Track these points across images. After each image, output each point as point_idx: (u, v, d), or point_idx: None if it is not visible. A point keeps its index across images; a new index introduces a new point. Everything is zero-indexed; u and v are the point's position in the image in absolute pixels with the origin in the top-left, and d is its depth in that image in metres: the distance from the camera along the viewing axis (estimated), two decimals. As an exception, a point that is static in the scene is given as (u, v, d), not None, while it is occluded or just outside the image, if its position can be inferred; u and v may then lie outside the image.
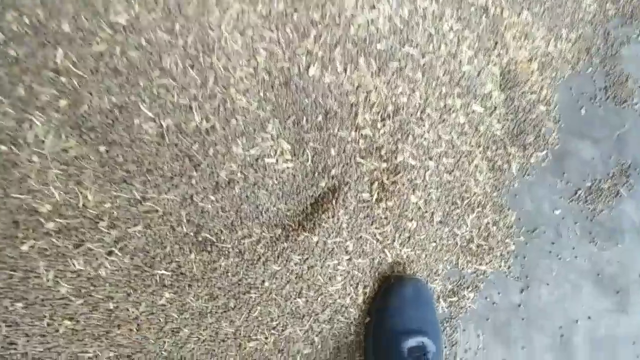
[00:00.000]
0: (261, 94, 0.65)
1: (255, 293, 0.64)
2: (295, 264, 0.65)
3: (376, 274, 0.68)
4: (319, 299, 0.66)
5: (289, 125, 0.66)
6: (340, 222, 0.66)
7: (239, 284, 0.64)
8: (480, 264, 0.73)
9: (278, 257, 0.64)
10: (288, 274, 0.64)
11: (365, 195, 0.68)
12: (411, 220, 0.69)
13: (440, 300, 0.70)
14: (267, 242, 0.64)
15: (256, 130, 0.65)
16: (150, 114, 0.61)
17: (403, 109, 0.71)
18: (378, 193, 0.68)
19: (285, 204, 0.65)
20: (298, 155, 0.66)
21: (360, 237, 0.67)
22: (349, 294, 0.67)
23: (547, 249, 0.75)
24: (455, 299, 0.71)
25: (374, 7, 0.69)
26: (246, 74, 0.65)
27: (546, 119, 0.80)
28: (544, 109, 0.81)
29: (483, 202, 0.74)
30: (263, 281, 0.64)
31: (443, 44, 0.74)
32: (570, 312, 0.73)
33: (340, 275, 0.66)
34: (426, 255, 0.70)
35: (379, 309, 0.67)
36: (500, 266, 0.73)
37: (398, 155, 0.69)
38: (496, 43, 0.79)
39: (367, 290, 0.68)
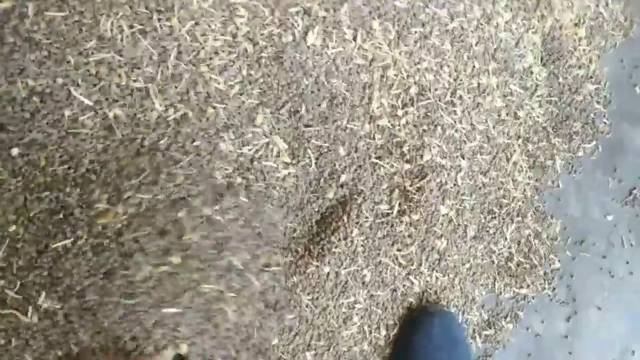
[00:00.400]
0: (243, 72, 0.47)
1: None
2: (306, 307, 0.49)
3: (400, 308, 0.53)
4: (332, 349, 0.51)
5: (284, 117, 0.49)
6: (354, 246, 0.51)
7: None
8: (521, 287, 0.59)
9: (290, 301, 0.48)
10: (298, 323, 0.49)
11: (384, 208, 0.53)
12: (441, 237, 0.54)
13: (475, 334, 0.57)
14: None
15: (243, 124, 0.47)
16: (87, 102, 0.43)
17: (429, 90, 0.55)
18: (400, 204, 0.53)
19: (291, 222, 0.49)
20: (298, 157, 0.49)
21: (380, 262, 0.52)
22: (367, 339, 0.52)
23: (597, 264, 0.62)
24: (491, 331, 0.58)
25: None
26: (222, 45, 0.46)
27: (594, 101, 0.66)
28: (592, 87, 0.66)
29: (523, 210, 0.60)
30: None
31: (475, 3, 0.57)
32: (626, 340, 0.61)
33: (357, 314, 0.51)
34: (460, 281, 0.56)
35: (400, 349, 0.53)
36: (543, 288, 0.60)
37: (424, 153, 0.54)
38: (538, 1, 0.63)
39: (389, 330, 0.53)
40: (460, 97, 0.57)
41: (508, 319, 0.59)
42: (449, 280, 0.55)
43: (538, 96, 0.64)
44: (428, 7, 0.56)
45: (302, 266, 0.49)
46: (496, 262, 0.58)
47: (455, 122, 0.56)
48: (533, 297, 0.60)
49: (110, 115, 0.44)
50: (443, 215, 0.54)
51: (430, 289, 0.54)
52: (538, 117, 0.63)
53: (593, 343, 0.61)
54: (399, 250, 0.53)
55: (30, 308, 0.39)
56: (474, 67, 0.58)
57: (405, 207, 0.53)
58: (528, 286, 0.59)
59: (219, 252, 0.42)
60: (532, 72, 0.64)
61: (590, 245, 0.62)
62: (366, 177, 0.52)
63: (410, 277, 0.53)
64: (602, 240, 0.63)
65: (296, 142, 0.49)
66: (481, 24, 0.59)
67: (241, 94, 0.47)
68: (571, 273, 0.61)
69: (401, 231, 0.53)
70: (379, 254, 0.52)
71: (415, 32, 0.55)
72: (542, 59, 0.65)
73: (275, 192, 0.47)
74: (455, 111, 0.56)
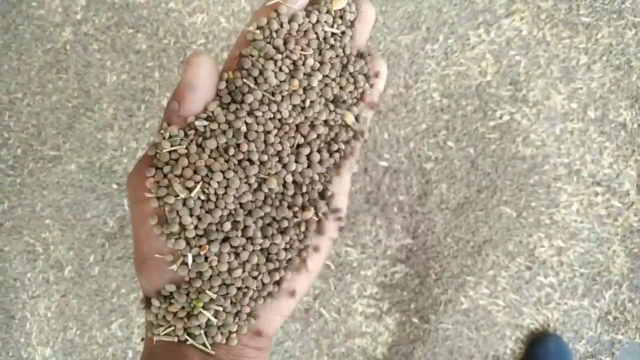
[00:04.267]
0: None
1: None
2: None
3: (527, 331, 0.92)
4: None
5: None
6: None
7: None
8: (617, 334, 0.93)
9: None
10: None
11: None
12: (556, 290, 0.93)
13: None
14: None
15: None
16: None
17: (562, 207, 0.97)
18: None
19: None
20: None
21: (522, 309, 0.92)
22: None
23: (678, 328, 0.93)
24: (593, 360, 0.92)
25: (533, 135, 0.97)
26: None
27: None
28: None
29: (620, 282, 0.96)
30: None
31: (588, 153, 0.99)
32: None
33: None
34: (571, 324, 0.93)
35: (527, 356, 0.91)
36: (635, 338, 0.93)
37: (553, 241, 0.95)
38: (633, 151, 1.03)
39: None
40: (577, 209, 0.98)
41: (606, 355, 0.93)
42: (564, 319, 0.93)
43: (634, 209, 1.01)
44: (558, 158, 0.99)
45: None
46: (598, 314, 0.94)
47: (571, 220, 0.97)
48: (627, 343, 0.93)
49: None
50: (562, 281, 0.94)
51: (551, 324, 0.92)
52: (634, 222, 1.00)
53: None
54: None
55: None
56: (587, 188, 0.99)
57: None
58: (623, 334, 0.93)
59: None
60: (629, 194, 1.02)
61: (672, 314, 0.94)
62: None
63: (543, 311, 0.92)
64: (682, 312, 0.94)
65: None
66: (591, 165, 1.01)
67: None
68: (656, 330, 0.94)
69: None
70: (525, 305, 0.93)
71: (549, 177, 0.98)
72: (637, 185, 1.03)
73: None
74: (572, 215, 0.97)
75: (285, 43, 0.30)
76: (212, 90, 0.28)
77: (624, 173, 1.00)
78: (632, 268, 0.97)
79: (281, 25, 0.30)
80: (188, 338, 0.28)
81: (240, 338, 0.29)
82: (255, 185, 0.29)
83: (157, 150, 0.28)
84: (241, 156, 0.28)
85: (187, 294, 0.28)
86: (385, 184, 0.94)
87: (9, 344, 0.99)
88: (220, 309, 0.28)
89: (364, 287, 0.94)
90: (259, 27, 0.30)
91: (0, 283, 0.99)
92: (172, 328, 0.28)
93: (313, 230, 0.30)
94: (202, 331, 0.28)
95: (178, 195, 0.27)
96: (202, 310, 0.28)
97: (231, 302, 0.29)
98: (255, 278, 0.29)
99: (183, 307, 0.28)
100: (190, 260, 0.28)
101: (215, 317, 0.28)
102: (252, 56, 0.29)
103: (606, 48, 0.96)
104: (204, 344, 0.28)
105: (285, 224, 0.29)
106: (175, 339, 0.28)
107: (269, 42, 0.30)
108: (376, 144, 0.94)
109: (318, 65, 0.30)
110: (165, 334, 0.28)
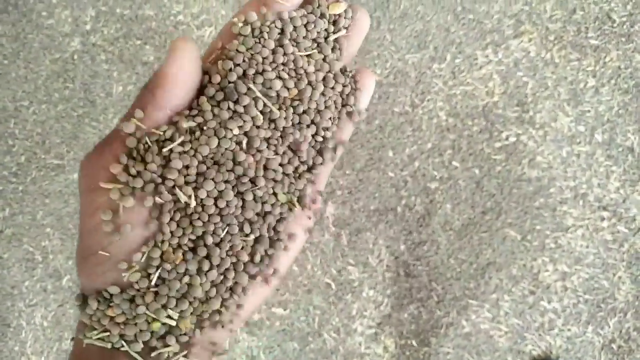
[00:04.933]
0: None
1: None
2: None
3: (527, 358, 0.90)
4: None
5: None
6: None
7: None
8: (621, 362, 0.92)
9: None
10: None
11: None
12: (559, 316, 0.92)
13: (585, 387, 0.90)
14: None
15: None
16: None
17: (568, 231, 0.96)
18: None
19: None
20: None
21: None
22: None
23: (685, 358, 0.92)
24: (597, 388, 0.91)
25: (539, 158, 0.97)
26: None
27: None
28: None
29: (625, 309, 0.94)
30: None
31: (594, 177, 0.98)
32: None
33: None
34: (574, 351, 0.91)
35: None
36: (639, 367, 0.92)
37: (557, 266, 0.93)
38: (640, 176, 1.02)
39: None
40: (583, 233, 0.97)
41: (611, 383, 0.91)
42: (567, 346, 0.91)
43: (640, 235, 1.00)
44: (564, 182, 0.99)
45: None
46: (602, 341, 0.93)
47: (577, 245, 0.96)
48: (631, 372, 0.91)
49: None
50: (566, 307, 0.92)
51: (554, 351, 0.91)
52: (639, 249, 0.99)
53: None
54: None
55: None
56: (594, 212, 0.98)
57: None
58: (627, 363, 0.91)
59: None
60: (635, 220, 1.01)
61: (679, 344, 0.93)
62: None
63: (546, 337, 0.91)
64: (689, 342, 0.92)
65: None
66: (597, 189, 1.00)
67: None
68: (663, 360, 0.92)
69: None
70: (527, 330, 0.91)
71: (555, 199, 0.98)
72: (644, 211, 1.02)
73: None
74: (576, 239, 0.96)
75: (280, 45, 0.28)
76: (195, 83, 0.27)
77: (631, 198, 0.99)
78: (638, 295, 0.96)
79: (273, 23, 0.28)
80: (124, 344, 0.26)
81: (187, 349, 0.27)
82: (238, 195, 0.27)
83: (132, 138, 0.26)
84: (240, 170, 0.27)
85: (131, 300, 0.26)
86: (388, 202, 0.94)
87: (2, 353, 0.98)
88: (176, 316, 0.26)
89: (364, 307, 0.93)
90: (247, 22, 0.28)
91: (-2, 290, 0.99)
92: (107, 333, 0.26)
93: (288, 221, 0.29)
94: (140, 340, 0.26)
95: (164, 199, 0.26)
96: (157, 323, 0.26)
97: (192, 309, 0.27)
98: (221, 283, 0.27)
99: (123, 313, 0.26)
100: (155, 275, 0.26)
101: (169, 326, 0.26)
102: (239, 52, 0.28)
103: (614, 71, 0.96)
104: (139, 353, 0.26)
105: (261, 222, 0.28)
106: (109, 345, 0.26)
107: (259, 42, 0.28)
108: (381, 161, 0.94)
109: (321, 75, 0.29)
110: (97, 339, 0.26)
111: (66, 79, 0.99)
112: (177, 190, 0.26)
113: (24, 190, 0.99)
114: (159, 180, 0.26)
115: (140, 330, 0.26)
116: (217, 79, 0.27)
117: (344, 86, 0.30)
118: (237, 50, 0.27)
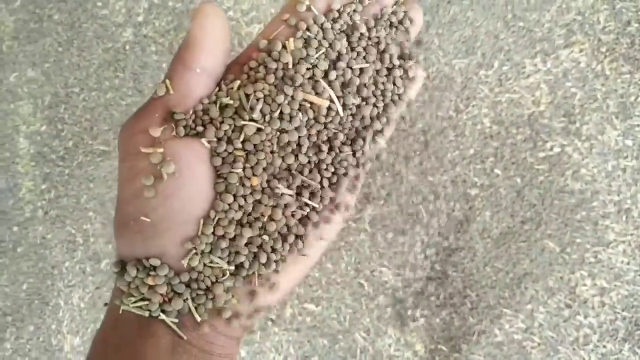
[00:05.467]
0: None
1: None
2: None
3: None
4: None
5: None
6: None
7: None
8: (658, 384, 0.90)
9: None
10: None
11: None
12: (595, 332, 0.90)
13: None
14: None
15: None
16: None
17: (609, 246, 0.95)
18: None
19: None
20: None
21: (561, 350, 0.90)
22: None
23: None
24: (632, 408, 0.89)
25: (584, 170, 0.96)
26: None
27: None
28: None
29: (665, 330, 0.92)
30: None
31: (639, 193, 0.97)
32: None
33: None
34: (609, 365, 0.90)
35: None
36: (677, 390, 0.89)
37: (596, 280, 0.92)
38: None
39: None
40: (624, 249, 0.95)
41: (646, 403, 0.89)
42: (602, 362, 0.90)
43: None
44: (608, 195, 0.97)
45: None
46: (639, 360, 0.91)
47: (617, 261, 0.94)
48: (668, 394, 0.89)
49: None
50: (602, 322, 0.91)
51: (588, 363, 0.89)
52: (682, 270, 0.97)
53: None
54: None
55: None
56: (637, 228, 0.97)
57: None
58: (664, 385, 0.89)
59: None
60: (679, 239, 0.99)
61: None
62: (552, 284, 0.92)
63: (580, 352, 0.90)
64: None
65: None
66: (640, 203, 0.98)
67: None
68: (701, 385, 0.90)
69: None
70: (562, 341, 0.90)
71: (597, 213, 0.96)
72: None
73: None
74: (618, 255, 0.94)
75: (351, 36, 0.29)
76: (224, 47, 0.27)
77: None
78: (678, 316, 0.94)
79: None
80: (161, 314, 0.26)
81: (215, 324, 0.27)
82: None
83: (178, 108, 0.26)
84: (285, 139, 0.27)
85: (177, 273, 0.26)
86: (428, 207, 0.94)
87: (40, 329, 1.02)
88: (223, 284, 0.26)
89: (396, 310, 0.94)
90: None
91: (39, 269, 1.02)
92: (146, 302, 0.25)
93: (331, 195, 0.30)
94: (177, 309, 0.25)
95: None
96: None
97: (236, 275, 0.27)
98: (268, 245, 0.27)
99: (165, 283, 0.26)
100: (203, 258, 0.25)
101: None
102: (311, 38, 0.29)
103: (667, 86, 0.94)
104: (178, 323, 0.26)
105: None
106: (147, 314, 0.26)
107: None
108: (421, 165, 0.94)
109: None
110: (135, 306, 0.26)
111: (117, 68, 1.02)
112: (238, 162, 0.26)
113: (69, 174, 1.02)
114: (223, 147, 0.27)
115: (183, 300, 0.26)
116: (287, 58, 0.28)
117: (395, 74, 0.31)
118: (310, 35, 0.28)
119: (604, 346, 0.91)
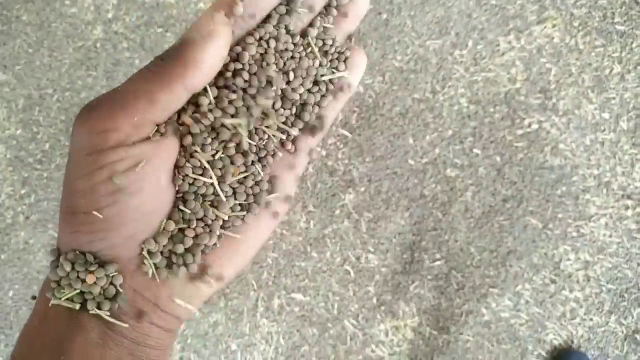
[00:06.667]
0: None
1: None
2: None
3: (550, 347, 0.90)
4: None
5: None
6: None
7: None
8: (645, 352, 0.91)
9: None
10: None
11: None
12: (581, 306, 0.91)
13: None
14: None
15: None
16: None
17: (590, 220, 0.95)
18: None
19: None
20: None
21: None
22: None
23: None
24: (619, 378, 0.90)
25: (560, 145, 0.96)
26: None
27: None
28: None
29: (649, 299, 0.93)
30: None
31: (618, 165, 0.97)
32: None
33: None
34: (596, 341, 0.91)
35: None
36: (663, 357, 0.91)
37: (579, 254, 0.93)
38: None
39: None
40: (606, 222, 0.96)
41: (633, 373, 0.90)
42: (589, 335, 0.91)
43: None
44: (587, 170, 0.98)
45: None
46: (625, 331, 0.92)
47: (600, 233, 0.95)
48: (655, 363, 0.91)
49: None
50: (588, 296, 0.92)
51: (575, 340, 0.91)
52: (664, 239, 0.98)
53: None
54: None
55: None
56: (627, 207, 0.98)
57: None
58: (651, 354, 0.91)
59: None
60: (660, 209, 1.00)
61: None
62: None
63: (567, 327, 0.91)
64: None
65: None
66: (621, 177, 0.99)
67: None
68: (687, 351, 0.91)
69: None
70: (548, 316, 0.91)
71: (577, 188, 0.97)
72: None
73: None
74: (600, 227, 0.95)
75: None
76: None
77: (656, 187, 0.98)
78: (663, 286, 0.95)
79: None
80: (95, 309, 0.25)
81: (150, 315, 0.26)
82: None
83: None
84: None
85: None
86: (408, 190, 0.94)
87: (29, 336, 1.01)
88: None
89: (383, 295, 0.94)
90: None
91: (24, 275, 1.01)
92: (77, 292, 0.25)
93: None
94: (108, 301, 0.25)
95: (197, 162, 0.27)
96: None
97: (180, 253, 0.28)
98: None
99: (106, 283, 0.25)
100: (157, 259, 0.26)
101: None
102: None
103: (641, 57, 0.95)
104: (110, 315, 0.25)
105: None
106: (77, 306, 0.25)
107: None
108: (401, 148, 0.94)
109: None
110: (66, 299, 0.25)
111: (89, 66, 1.01)
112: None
113: (48, 177, 1.01)
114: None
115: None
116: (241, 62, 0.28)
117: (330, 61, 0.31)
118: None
119: (591, 319, 0.92)
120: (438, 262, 0.94)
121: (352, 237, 0.95)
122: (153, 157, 0.25)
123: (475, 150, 0.94)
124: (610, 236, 0.94)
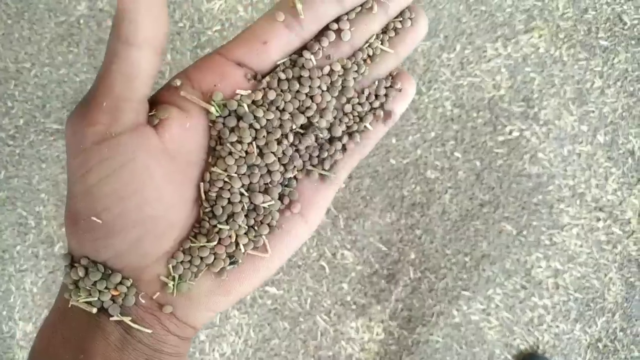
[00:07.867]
0: (450, 197, 0.96)
1: None
2: None
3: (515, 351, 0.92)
4: None
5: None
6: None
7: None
8: (606, 361, 0.94)
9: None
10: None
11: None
12: (549, 313, 0.93)
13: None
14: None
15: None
16: None
17: (563, 229, 0.97)
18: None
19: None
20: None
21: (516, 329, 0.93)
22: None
23: (668, 361, 0.94)
24: (581, 385, 0.93)
25: (538, 154, 0.98)
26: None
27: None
28: (677, 240, 1.02)
29: (613, 310, 0.96)
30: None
31: (593, 177, 1.00)
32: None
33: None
34: (561, 347, 0.93)
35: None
36: (624, 366, 0.94)
37: (550, 262, 0.95)
38: (639, 179, 1.03)
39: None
40: (577, 232, 0.98)
41: (595, 380, 0.93)
42: (553, 342, 0.93)
43: (634, 238, 1.02)
44: (563, 180, 1.00)
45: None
46: (589, 340, 0.94)
47: (571, 244, 0.97)
48: (615, 371, 0.93)
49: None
50: (556, 303, 0.94)
51: (541, 346, 0.93)
52: (632, 252, 1.01)
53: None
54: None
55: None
56: (590, 213, 1.00)
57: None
58: (612, 362, 0.94)
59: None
60: (630, 222, 1.03)
61: (664, 346, 0.95)
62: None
63: (534, 333, 0.93)
64: (674, 345, 0.95)
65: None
66: (595, 190, 1.01)
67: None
68: (646, 362, 0.94)
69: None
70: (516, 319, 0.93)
71: (552, 197, 0.99)
72: (639, 215, 1.04)
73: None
74: (571, 237, 0.98)
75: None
76: (164, 18, 0.24)
77: (628, 201, 1.00)
78: (627, 297, 0.98)
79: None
80: (118, 315, 0.25)
81: (166, 324, 0.26)
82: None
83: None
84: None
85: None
86: (388, 189, 0.95)
87: (-10, 316, 0.99)
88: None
89: (356, 292, 0.94)
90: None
91: (-11, 253, 0.99)
92: (95, 298, 0.25)
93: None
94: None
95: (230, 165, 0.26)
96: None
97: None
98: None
99: (119, 290, 0.25)
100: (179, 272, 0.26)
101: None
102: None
103: (622, 73, 0.97)
104: (132, 320, 0.25)
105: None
106: (94, 310, 0.25)
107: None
108: (383, 147, 0.95)
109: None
110: (84, 302, 0.25)
111: (70, 42, 0.98)
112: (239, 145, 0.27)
113: (20, 154, 0.98)
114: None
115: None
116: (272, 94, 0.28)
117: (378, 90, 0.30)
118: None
119: (557, 326, 0.95)
120: (412, 263, 0.95)
121: (330, 233, 0.95)
122: (139, 153, 0.24)
123: (456, 154, 0.95)
124: (581, 246, 0.96)
